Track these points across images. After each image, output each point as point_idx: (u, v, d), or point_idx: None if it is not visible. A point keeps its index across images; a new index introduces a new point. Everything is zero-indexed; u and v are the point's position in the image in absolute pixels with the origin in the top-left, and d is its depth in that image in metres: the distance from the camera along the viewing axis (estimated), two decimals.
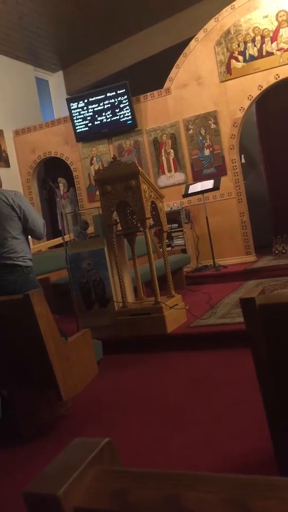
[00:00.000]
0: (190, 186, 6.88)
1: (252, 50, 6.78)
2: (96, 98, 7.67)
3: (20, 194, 3.32)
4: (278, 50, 6.63)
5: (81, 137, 7.88)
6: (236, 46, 6.85)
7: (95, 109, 7.68)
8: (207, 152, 7.21)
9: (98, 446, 0.49)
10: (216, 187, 6.59)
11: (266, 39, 6.69)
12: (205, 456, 2.14)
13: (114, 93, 7.55)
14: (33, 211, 3.32)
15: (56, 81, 9.69)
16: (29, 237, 3.40)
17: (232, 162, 7.10)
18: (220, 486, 0.42)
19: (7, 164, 8.06)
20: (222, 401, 2.72)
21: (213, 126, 7.12)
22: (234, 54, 6.89)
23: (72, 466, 0.46)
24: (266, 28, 6.67)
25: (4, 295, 2.97)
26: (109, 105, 7.60)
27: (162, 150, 7.48)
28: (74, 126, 7.82)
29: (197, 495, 0.42)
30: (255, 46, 6.75)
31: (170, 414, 2.69)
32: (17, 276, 3.18)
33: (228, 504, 0.41)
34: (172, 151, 7.43)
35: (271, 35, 6.66)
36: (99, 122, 7.71)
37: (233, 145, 7.07)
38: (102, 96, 7.63)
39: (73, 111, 7.79)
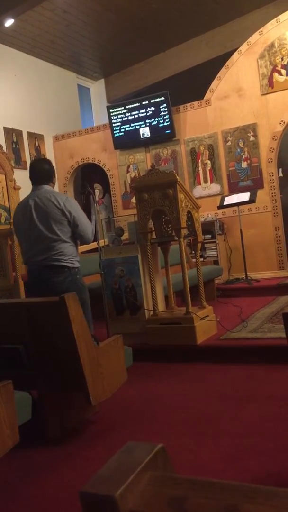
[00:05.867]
0: (226, 198, 6.84)
1: None
2: (136, 106, 7.74)
3: (71, 199, 3.37)
4: None
5: (119, 145, 7.95)
6: (280, 59, 6.80)
7: (135, 117, 7.75)
8: (244, 164, 7.16)
9: (152, 451, 0.49)
10: (252, 200, 6.53)
11: None
12: (233, 470, 2.11)
13: (154, 102, 7.60)
14: (83, 217, 3.36)
15: (97, 89, 9.83)
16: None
17: (270, 176, 7.03)
18: (281, 500, 0.41)
19: None
20: (251, 417, 2.67)
21: (252, 138, 7.08)
22: (277, 68, 6.84)
23: (127, 469, 0.46)
24: None
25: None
26: (149, 114, 7.65)
27: (199, 161, 7.48)
28: (113, 133, 7.91)
29: (256, 508, 0.41)
30: None
31: (197, 426, 2.66)
32: (64, 277, 3.24)
33: None
34: (209, 162, 7.41)
35: None
36: (137, 130, 7.77)
37: (271, 159, 7.00)
38: (142, 105, 7.69)
39: (112, 118, 7.88)
